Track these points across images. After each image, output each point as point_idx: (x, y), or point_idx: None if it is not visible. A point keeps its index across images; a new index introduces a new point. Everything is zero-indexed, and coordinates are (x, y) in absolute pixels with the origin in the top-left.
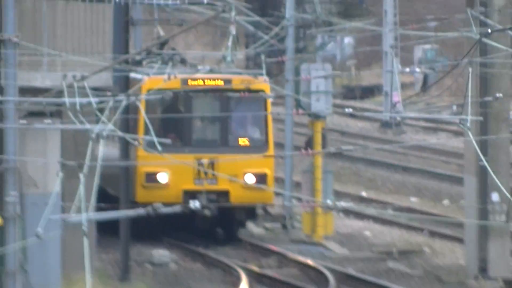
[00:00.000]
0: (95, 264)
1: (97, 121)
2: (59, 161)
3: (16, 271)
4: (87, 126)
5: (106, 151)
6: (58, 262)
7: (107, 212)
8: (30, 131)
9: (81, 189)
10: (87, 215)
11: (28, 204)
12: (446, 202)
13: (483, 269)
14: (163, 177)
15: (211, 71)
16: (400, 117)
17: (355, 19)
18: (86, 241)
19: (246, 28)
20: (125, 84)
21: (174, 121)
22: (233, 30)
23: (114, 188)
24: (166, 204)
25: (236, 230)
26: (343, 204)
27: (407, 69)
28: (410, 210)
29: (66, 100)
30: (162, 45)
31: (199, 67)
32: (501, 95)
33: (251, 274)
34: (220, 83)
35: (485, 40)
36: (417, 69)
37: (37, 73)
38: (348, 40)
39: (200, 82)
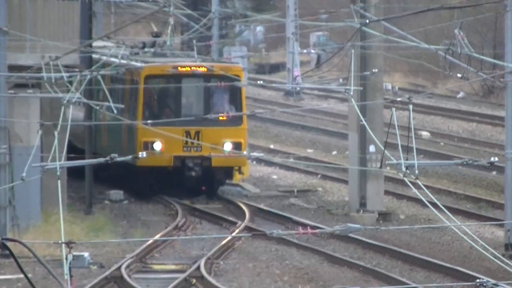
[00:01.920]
0: (66, 201)
1: (68, 91)
2: (38, 122)
3: (6, 206)
4: (60, 95)
5: (76, 113)
6: (38, 199)
7: (75, 161)
8: (17, 98)
9: (55, 143)
10: (60, 163)
11: (15, 155)
12: (334, 152)
13: (363, 204)
14: (157, 145)
15: (154, 53)
16: (299, 87)
17: (265, 12)
18: (59, 183)
19: (181, 19)
20: (89, 62)
21: (167, 100)
22: (171, 21)
23: (81, 143)
24: (160, 167)
25: (217, 188)
26: (256, 154)
27: (305, 51)
28: (307, 158)
29: (44, 75)
30: (155, 37)
31: (146, 49)
32: (376, 70)
33: (185, 208)
34: (204, 69)
35: (364, 28)
36: (312, 51)
37: (22, 54)
38: (259, 28)
39: (188, 69)
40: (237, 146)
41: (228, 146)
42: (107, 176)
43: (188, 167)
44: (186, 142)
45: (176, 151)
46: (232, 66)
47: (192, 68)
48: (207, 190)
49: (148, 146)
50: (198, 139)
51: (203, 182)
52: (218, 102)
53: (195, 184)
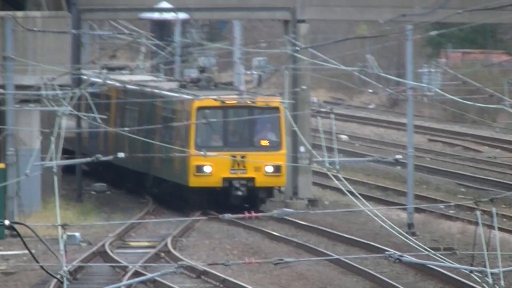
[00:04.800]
0: (61, 192)
1: (61, 105)
2: (39, 130)
3: (13, 196)
4: (55, 108)
5: (70, 123)
6: (38, 191)
7: (68, 160)
8: (21, 111)
9: (52, 146)
10: (56, 162)
11: (20, 156)
12: None
13: (295, 193)
14: (208, 168)
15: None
16: (244, 101)
17: (217, 42)
18: (55, 178)
19: (151, 48)
20: (78, 82)
21: (216, 128)
22: (143, 49)
23: (73, 146)
24: (210, 188)
25: (259, 205)
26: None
27: (248, 72)
28: None
29: (43, 92)
30: (201, 72)
31: (123, 71)
32: (305, 87)
33: (154, 197)
34: (247, 102)
35: (295, 54)
36: (254, 72)
37: (25, 76)
38: (212, 54)
39: (234, 102)
40: (277, 168)
41: (269, 169)
42: (159, 193)
43: (235, 187)
44: (233, 165)
45: (224, 173)
46: (272, 98)
47: (237, 101)
48: (250, 207)
49: (200, 169)
50: (243, 162)
51: (247, 201)
52: (260, 129)
53: (240, 202)
